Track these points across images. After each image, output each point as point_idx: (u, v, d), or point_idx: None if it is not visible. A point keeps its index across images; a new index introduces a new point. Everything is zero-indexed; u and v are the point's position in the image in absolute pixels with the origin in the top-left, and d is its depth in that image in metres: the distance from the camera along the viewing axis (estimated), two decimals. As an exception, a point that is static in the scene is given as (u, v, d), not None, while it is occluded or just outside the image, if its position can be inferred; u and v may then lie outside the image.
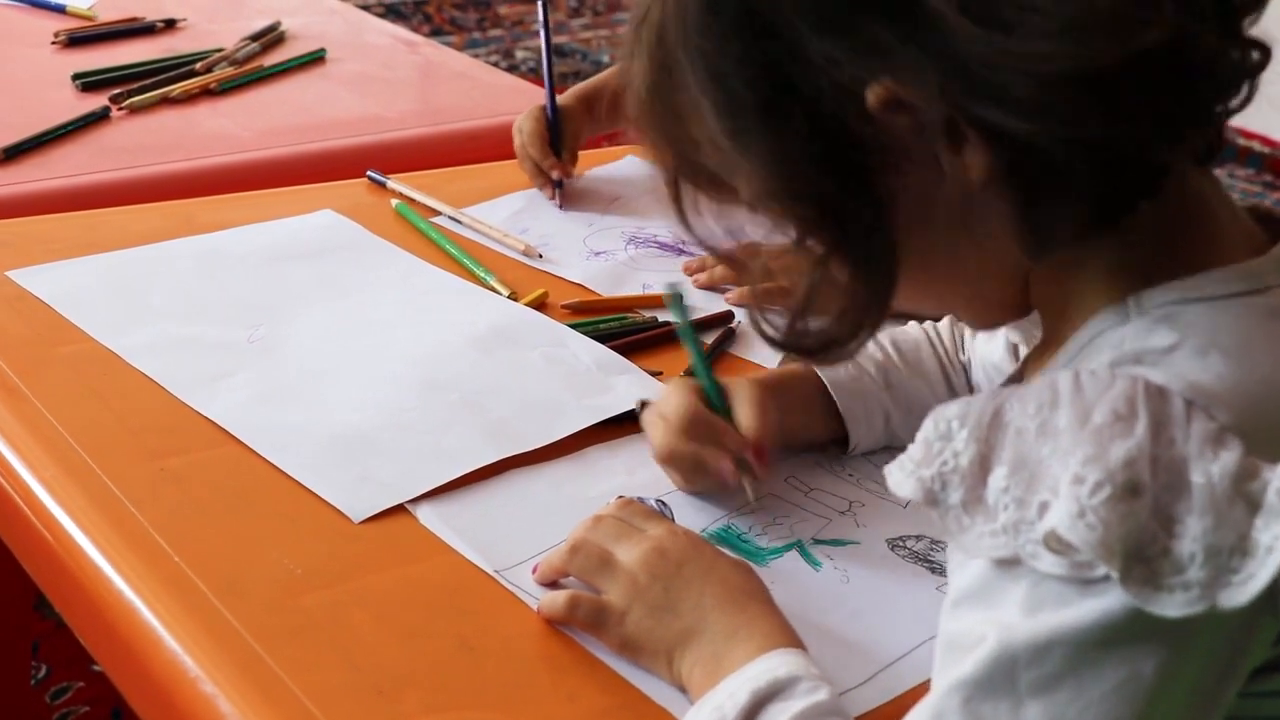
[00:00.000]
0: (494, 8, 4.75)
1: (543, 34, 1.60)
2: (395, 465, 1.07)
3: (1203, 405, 0.66)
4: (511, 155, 1.61)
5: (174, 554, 0.96)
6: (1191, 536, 0.64)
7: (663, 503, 1.01)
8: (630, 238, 1.51)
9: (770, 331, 0.79)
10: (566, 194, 1.57)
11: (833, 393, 1.11)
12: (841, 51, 0.70)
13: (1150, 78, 0.68)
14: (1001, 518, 0.67)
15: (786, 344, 0.80)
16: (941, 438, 0.69)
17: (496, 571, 0.97)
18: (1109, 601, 0.65)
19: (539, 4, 1.60)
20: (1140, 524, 0.64)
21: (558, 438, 1.13)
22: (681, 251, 1.49)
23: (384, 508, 1.03)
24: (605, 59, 4.40)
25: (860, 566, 1.02)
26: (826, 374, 1.10)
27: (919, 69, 0.69)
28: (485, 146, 1.79)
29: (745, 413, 1.06)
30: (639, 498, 1.00)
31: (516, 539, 1.01)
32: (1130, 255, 0.75)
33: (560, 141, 1.57)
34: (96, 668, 1.89)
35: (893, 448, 1.13)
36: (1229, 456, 0.65)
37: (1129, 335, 0.72)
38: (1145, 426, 0.65)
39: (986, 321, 0.87)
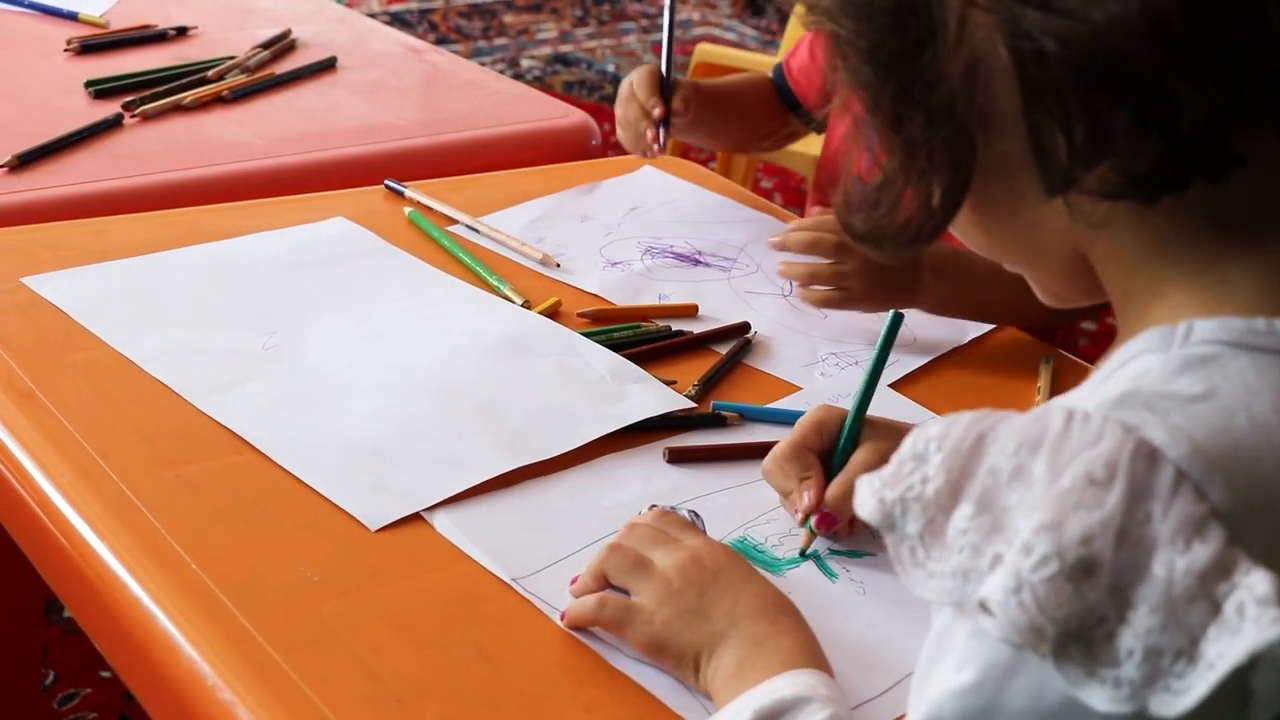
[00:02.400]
0: (499, 17, 4.75)
1: (667, 13, 1.56)
2: (411, 473, 1.07)
3: (1197, 480, 0.59)
4: (523, 163, 1.61)
5: (191, 561, 0.96)
6: (1135, 631, 0.57)
7: (695, 513, 1.01)
8: (646, 248, 1.51)
9: (844, 211, 0.75)
10: (670, 133, 1.52)
11: None
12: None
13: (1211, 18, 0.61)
14: (954, 560, 0.60)
15: (862, 229, 0.74)
16: (915, 458, 0.63)
17: (514, 580, 0.97)
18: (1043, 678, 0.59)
19: None
20: (1088, 604, 0.58)
21: (573, 446, 1.13)
22: (698, 262, 1.49)
23: (400, 516, 1.03)
24: (610, 68, 4.41)
25: (876, 578, 1.02)
26: None
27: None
28: (496, 154, 1.79)
29: (843, 477, 1.04)
30: (672, 507, 1.01)
31: (533, 547, 1.01)
32: (1211, 272, 0.67)
33: (669, 93, 1.52)
34: (105, 674, 1.89)
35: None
36: (1201, 551, 0.58)
37: (1156, 369, 0.64)
38: (1119, 497, 0.58)
39: (1049, 291, 0.77)
